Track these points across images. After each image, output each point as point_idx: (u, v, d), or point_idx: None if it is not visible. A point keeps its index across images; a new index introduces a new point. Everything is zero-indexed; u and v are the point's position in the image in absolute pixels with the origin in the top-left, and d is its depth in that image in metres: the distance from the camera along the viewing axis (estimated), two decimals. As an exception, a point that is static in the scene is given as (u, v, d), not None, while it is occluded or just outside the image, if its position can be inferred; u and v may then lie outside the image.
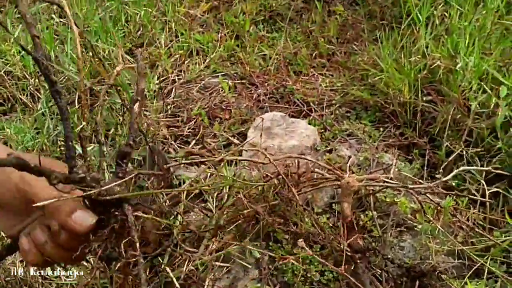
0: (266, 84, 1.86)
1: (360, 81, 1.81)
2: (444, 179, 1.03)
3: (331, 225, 1.23)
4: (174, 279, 1.16)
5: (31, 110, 1.79)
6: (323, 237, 1.06)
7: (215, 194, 1.36)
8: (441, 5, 1.70)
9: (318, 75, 1.89)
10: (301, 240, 0.90)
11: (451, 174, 1.04)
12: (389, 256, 1.02)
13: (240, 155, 1.47)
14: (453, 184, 1.30)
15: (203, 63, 2.01)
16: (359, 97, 1.70)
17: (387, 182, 1.06)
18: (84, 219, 0.72)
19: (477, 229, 1.17)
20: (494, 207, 1.28)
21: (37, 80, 1.88)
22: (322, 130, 1.57)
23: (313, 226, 1.09)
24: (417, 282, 1.02)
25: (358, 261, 1.00)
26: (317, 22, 2.21)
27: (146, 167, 1.51)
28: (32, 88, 1.87)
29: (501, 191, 1.26)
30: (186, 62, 2.02)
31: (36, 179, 0.67)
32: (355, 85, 1.77)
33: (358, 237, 1.01)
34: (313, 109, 1.69)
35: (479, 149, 1.36)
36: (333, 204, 1.32)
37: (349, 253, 0.99)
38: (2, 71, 1.91)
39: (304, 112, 1.68)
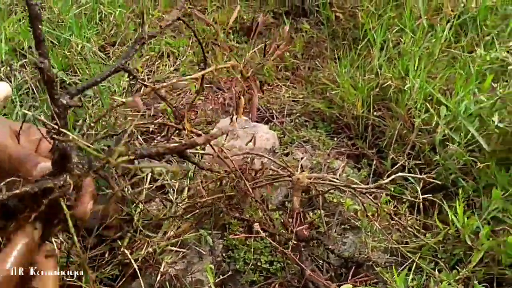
0: (232, 90, 1.97)
1: (320, 94, 1.95)
2: (384, 181, 1.16)
3: (281, 220, 1.34)
4: (132, 260, 1.24)
5: None
6: (273, 227, 1.16)
7: (176, 186, 1.45)
8: (395, 30, 1.86)
9: (282, 86, 2.02)
10: (257, 224, 1.00)
11: (390, 177, 1.17)
12: (330, 247, 1.14)
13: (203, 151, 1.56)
14: (393, 190, 1.43)
15: (173, 66, 2.10)
16: (317, 108, 1.83)
17: (332, 181, 1.18)
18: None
19: (411, 231, 1.30)
20: (430, 215, 1.42)
21: None
22: (282, 136, 1.68)
23: (264, 218, 1.19)
24: (353, 271, 1.13)
25: (302, 249, 1.11)
26: (284, 38, 2.35)
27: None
28: None
29: (436, 200, 1.40)
30: (156, 63, 2.11)
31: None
32: (314, 97, 1.91)
33: (304, 228, 1.12)
34: (275, 116, 1.81)
35: (419, 162, 1.50)
36: (286, 202, 1.42)
37: (295, 242, 1.10)
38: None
39: (267, 118, 1.80)
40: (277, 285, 1.10)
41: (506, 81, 1.47)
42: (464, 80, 1.56)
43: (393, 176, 1.17)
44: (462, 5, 1.93)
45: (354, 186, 1.14)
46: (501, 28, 1.83)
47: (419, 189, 1.33)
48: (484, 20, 1.90)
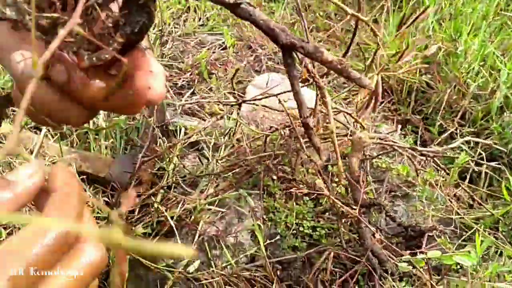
0: (264, 47, 1.85)
1: (356, 56, 1.83)
2: (450, 146, 1.06)
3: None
4: (168, 217, 1.14)
5: None
6: (328, 190, 1.06)
7: (212, 144, 1.34)
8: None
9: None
10: (319, 180, 0.90)
11: (457, 143, 1.06)
12: (391, 214, 1.04)
13: (239, 110, 1.45)
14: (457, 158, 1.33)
15: (200, 20, 1.97)
16: (356, 69, 1.71)
17: (395, 143, 1.08)
18: None
19: (467, 202, 1.20)
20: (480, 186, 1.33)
21: None
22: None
23: (319, 179, 1.09)
24: (415, 241, 1.04)
25: (362, 215, 1.01)
26: (316, -4, 2.21)
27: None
28: None
29: (488, 171, 1.31)
30: (183, 16, 1.97)
31: None
32: (351, 58, 1.79)
33: (364, 193, 1.02)
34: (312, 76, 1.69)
35: (471, 129, 1.40)
36: (328, 166, 1.32)
37: (354, 207, 1.00)
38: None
39: (302, 78, 1.68)
40: (331, 254, 1.01)
41: None
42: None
43: (458, 142, 1.07)
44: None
45: (421, 149, 1.04)
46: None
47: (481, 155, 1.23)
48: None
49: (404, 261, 0.90)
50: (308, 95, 1.52)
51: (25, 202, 0.45)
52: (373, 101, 0.97)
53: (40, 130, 1.39)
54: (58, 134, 1.31)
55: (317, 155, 0.49)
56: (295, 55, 0.50)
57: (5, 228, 1.11)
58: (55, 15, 0.38)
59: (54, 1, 0.39)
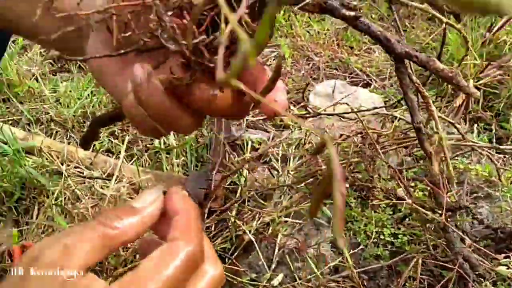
0: (319, 55, 1.84)
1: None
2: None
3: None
4: (246, 231, 1.15)
5: (86, 69, 1.78)
6: (409, 196, 1.04)
7: (279, 155, 1.34)
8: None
9: (374, 49, 1.87)
10: (400, 189, 0.88)
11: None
12: (479, 217, 1.00)
13: (303, 119, 1.45)
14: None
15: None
16: (418, 69, 1.67)
17: (475, 143, 1.04)
18: None
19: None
20: None
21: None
22: (386, 99, 1.55)
23: (398, 186, 1.07)
24: (504, 243, 1.00)
25: (448, 219, 0.98)
26: (366, 0, 2.19)
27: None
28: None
29: None
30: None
31: None
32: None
33: (447, 196, 0.99)
34: (373, 79, 1.67)
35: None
36: (403, 171, 1.30)
37: (439, 211, 0.97)
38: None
39: (363, 82, 1.66)
40: (419, 261, 0.98)
41: None
42: None
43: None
44: None
45: (504, 147, 1.00)
46: None
47: None
48: None
49: (502, 265, 0.87)
50: (366, 95, 1.50)
51: (149, 226, 0.47)
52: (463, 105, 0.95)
53: (112, 153, 1.44)
54: (136, 157, 1.35)
55: (429, 161, 0.48)
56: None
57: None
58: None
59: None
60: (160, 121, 0.47)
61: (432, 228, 1.07)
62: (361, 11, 0.46)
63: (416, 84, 0.55)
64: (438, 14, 0.55)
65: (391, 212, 1.18)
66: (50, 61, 1.84)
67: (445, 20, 0.54)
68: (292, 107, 1.59)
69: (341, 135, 1.18)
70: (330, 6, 0.45)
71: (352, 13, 0.44)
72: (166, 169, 1.35)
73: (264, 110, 0.45)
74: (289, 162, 1.32)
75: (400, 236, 1.15)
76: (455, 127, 0.83)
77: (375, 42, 0.46)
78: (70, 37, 0.48)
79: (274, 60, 1.85)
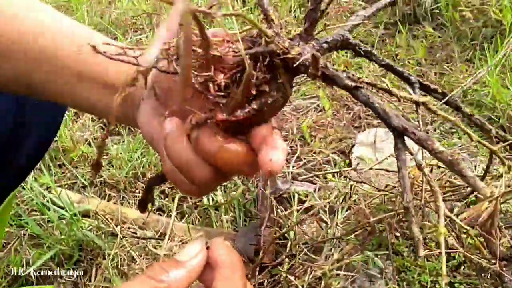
0: (359, 104, 1.87)
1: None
2: None
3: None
4: (299, 286, 1.15)
5: (135, 131, 1.87)
6: (461, 245, 1.02)
7: (327, 207, 1.36)
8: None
9: (413, 94, 1.88)
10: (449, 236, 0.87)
11: None
12: (538, 263, 0.97)
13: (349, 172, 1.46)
14: None
15: (294, 85, 2.05)
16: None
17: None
18: None
19: None
20: None
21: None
22: (430, 145, 1.54)
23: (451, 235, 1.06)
24: None
25: (504, 268, 0.96)
26: (402, 46, 2.22)
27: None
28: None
29: None
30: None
31: None
32: (453, 103, 1.75)
33: (500, 245, 0.97)
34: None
35: None
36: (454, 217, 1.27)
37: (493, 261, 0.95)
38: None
39: (405, 128, 1.67)
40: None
41: None
42: None
43: None
44: None
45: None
46: None
47: None
48: None
49: None
50: (381, 132, 1.52)
51: (195, 278, 0.50)
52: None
53: (163, 212, 1.49)
54: (186, 215, 1.40)
55: (417, 247, 0.47)
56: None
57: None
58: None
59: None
60: (183, 172, 0.51)
61: (489, 276, 1.05)
62: (363, 83, 0.49)
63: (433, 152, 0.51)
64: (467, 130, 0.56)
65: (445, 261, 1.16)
66: (101, 125, 1.95)
67: (452, 119, 0.54)
68: (336, 157, 1.61)
69: (386, 185, 1.19)
70: (332, 75, 0.49)
71: (354, 84, 0.47)
72: (216, 225, 1.38)
73: (261, 169, 0.48)
74: (337, 213, 1.32)
75: (456, 285, 1.12)
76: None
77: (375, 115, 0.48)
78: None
79: (314, 111, 1.89)
